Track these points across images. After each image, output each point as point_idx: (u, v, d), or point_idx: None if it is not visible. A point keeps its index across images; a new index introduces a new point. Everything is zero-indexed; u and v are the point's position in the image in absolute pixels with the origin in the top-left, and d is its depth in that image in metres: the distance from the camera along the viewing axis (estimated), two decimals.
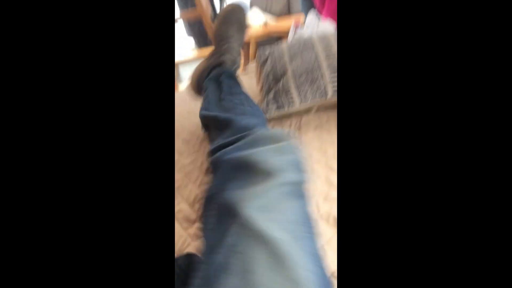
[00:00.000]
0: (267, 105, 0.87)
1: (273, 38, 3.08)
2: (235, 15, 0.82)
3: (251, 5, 3.51)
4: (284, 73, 0.88)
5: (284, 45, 0.96)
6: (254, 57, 3.30)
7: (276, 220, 0.31)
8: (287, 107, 0.85)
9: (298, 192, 0.37)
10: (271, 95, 0.88)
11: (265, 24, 2.91)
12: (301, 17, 2.24)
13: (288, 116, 0.89)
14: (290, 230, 0.31)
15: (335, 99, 0.83)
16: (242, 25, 0.83)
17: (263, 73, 0.98)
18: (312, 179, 0.65)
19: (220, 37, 0.82)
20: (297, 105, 0.84)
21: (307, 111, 0.89)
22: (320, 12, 1.65)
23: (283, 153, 0.39)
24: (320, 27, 1.43)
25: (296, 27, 1.45)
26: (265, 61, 0.98)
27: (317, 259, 0.31)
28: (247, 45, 3.00)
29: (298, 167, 0.40)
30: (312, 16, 1.50)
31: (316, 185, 0.63)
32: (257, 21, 3.01)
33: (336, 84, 0.82)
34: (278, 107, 0.85)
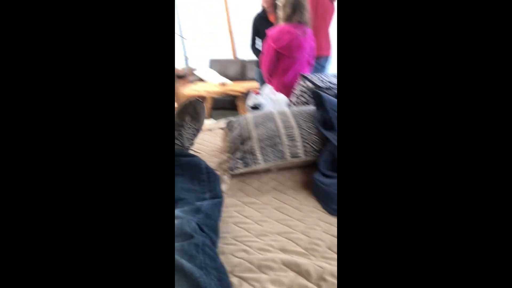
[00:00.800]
0: (235, 163, 1.01)
1: (228, 96, 3.36)
2: (191, 107, 1.00)
3: (211, 67, 3.84)
4: (250, 138, 1.05)
5: (249, 116, 1.15)
6: (210, 112, 3.50)
7: (196, 265, 0.57)
8: (253, 165, 1.00)
9: (204, 248, 0.62)
10: (238, 154, 1.03)
11: (223, 84, 3.19)
12: (256, 84, 2.56)
13: (250, 176, 1.04)
14: (203, 268, 0.58)
15: (291, 161, 1.01)
16: (196, 116, 1.01)
17: (230, 137, 1.13)
18: (273, 233, 0.77)
19: (176, 125, 0.99)
20: (261, 163, 1.00)
21: (267, 171, 1.05)
22: (270, 84, 1.95)
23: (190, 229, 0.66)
24: (276, 97, 1.69)
25: (256, 94, 1.69)
26: (232, 127, 1.14)
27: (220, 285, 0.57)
28: (203, 99, 3.21)
29: (202, 232, 0.67)
30: (268, 87, 1.77)
31: (276, 238, 0.76)
32: (215, 80, 3.29)
33: (292, 149, 1.01)
34: (245, 165, 1.00)
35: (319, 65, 2.21)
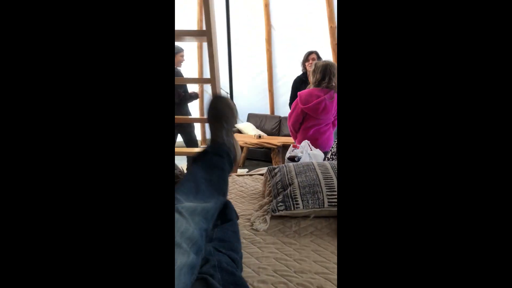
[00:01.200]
0: (276, 204, 1.11)
1: (263, 148, 3.55)
2: (216, 109, 0.97)
3: (248, 120, 4.14)
4: (291, 184, 1.16)
5: (290, 165, 1.28)
6: (244, 161, 3.68)
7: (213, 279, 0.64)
8: (293, 209, 1.09)
9: (221, 265, 0.69)
10: (280, 198, 1.14)
11: (260, 136, 3.41)
12: (291, 139, 2.74)
13: (289, 219, 1.12)
14: (221, 285, 0.63)
15: (329, 209, 1.10)
16: (217, 114, 0.96)
17: (271, 182, 1.26)
18: (311, 272, 0.84)
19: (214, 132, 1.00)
20: (301, 208, 1.09)
21: (305, 217, 1.13)
22: (293, 137, 2.16)
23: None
24: (313, 152, 1.82)
25: (294, 147, 1.84)
26: (275, 174, 1.27)
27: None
28: (241, 148, 3.42)
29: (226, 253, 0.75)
30: (306, 142, 1.92)
31: (314, 277, 0.82)
32: (252, 132, 3.53)
33: (330, 198, 1.10)
34: (286, 208, 1.10)
35: None
